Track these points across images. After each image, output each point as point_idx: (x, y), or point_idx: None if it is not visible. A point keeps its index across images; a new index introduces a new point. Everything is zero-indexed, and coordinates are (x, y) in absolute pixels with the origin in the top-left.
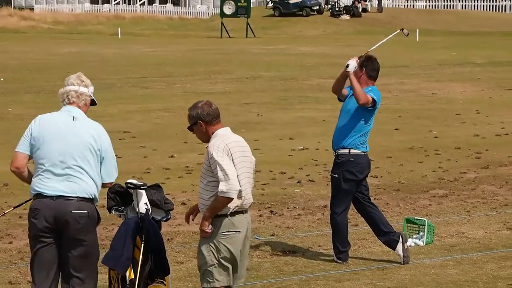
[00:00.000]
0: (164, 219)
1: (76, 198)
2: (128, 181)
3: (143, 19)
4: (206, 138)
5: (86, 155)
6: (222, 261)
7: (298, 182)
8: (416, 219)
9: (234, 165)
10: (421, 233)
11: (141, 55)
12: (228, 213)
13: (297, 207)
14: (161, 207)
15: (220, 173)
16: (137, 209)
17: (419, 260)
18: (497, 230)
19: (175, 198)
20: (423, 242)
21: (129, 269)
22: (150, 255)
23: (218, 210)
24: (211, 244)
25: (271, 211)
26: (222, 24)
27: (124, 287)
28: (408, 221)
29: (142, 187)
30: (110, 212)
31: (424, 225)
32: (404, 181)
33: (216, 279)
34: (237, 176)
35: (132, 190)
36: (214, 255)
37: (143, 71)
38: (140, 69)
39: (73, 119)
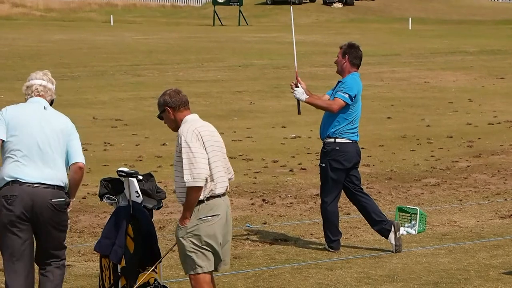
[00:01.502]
0: (156, 207)
1: (53, 186)
2: (120, 169)
3: (135, 7)
4: (174, 125)
5: (59, 143)
6: (203, 246)
7: (290, 170)
8: (408, 207)
9: (205, 148)
10: (413, 222)
11: (133, 43)
12: (204, 198)
13: (289, 195)
14: (152, 196)
15: (185, 160)
16: (128, 197)
17: (411, 248)
18: (489, 219)
19: (167, 186)
20: (415, 230)
21: None
22: (142, 243)
23: (193, 202)
24: (189, 230)
25: (263, 200)
26: (215, 12)
27: (116, 275)
28: (400, 209)
29: (133, 175)
30: (101, 199)
31: (416, 213)
32: (396, 169)
33: (199, 266)
34: (208, 159)
35: (124, 178)
36: (194, 242)
37: (135, 59)
38: (132, 57)
39: (44, 109)
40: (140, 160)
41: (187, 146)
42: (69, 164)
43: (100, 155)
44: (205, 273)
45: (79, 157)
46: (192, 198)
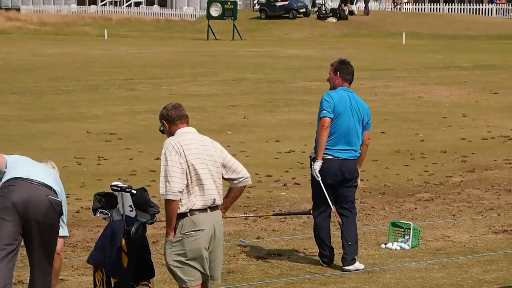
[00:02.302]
0: (149, 222)
1: (50, 187)
2: (113, 183)
3: (129, 21)
4: None
5: (56, 181)
6: (187, 261)
7: (284, 185)
8: (402, 222)
9: (187, 161)
10: (406, 237)
11: (127, 57)
12: (187, 211)
13: (282, 210)
14: (146, 210)
15: (161, 173)
16: (122, 211)
17: (404, 263)
18: (483, 234)
19: (160, 201)
20: (408, 245)
21: None
22: (135, 257)
23: (171, 214)
24: (173, 244)
25: (257, 214)
26: (209, 26)
27: None
28: (394, 224)
29: (127, 190)
30: (95, 214)
31: (410, 228)
32: (390, 184)
33: (183, 280)
34: (191, 172)
35: (117, 193)
36: (178, 256)
37: (129, 73)
38: (126, 71)
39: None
40: (134, 175)
41: (164, 159)
42: None
43: (94, 169)
44: (190, 287)
45: (62, 231)
46: (168, 210)
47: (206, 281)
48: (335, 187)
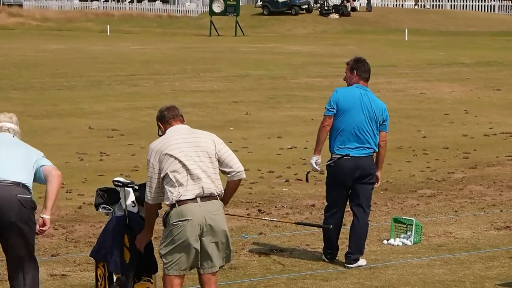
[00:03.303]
0: None
1: (19, 184)
2: (115, 179)
3: (132, 17)
4: None
5: (24, 158)
6: (173, 251)
7: (286, 181)
8: (404, 218)
9: (160, 161)
10: (408, 233)
11: (129, 53)
12: (175, 202)
13: (285, 206)
14: None
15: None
16: (124, 207)
17: (406, 259)
18: (485, 230)
19: None
20: (410, 241)
21: None
22: (137, 253)
23: (148, 216)
24: (164, 233)
25: (259, 210)
26: (211, 22)
27: (111, 285)
28: (396, 220)
29: (129, 185)
30: (97, 209)
31: (412, 224)
32: (392, 180)
33: (167, 268)
34: (175, 165)
35: (119, 188)
36: (166, 245)
37: (131, 69)
38: (129, 67)
39: (13, 136)
40: (136, 170)
41: (148, 165)
42: (43, 177)
43: (96, 165)
44: (173, 276)
45: (52, 167)
46: (146, 211)
47: (202, 269)
48: (351, 186)
